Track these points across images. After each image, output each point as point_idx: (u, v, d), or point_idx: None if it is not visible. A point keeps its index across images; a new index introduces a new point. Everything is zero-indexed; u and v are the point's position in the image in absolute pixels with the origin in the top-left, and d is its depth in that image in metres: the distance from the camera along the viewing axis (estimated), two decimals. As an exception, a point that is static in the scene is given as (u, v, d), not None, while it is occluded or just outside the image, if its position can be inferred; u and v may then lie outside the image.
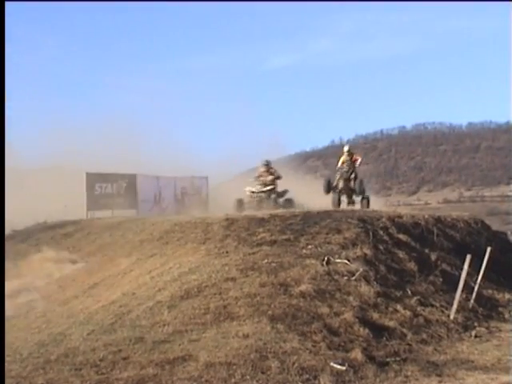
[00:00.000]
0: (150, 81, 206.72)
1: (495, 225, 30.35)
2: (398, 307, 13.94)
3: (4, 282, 14.93)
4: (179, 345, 11.23)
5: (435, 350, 12.17)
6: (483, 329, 14.15)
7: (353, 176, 27.37)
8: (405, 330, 12.87)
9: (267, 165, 29.10)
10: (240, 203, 28.26)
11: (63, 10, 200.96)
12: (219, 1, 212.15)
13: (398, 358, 11.33)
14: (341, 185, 27.00)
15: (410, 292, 15.09)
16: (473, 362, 11.52)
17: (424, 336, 12.84)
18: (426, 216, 20.69)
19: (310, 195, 30.53)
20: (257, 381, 9.71)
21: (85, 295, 17.26)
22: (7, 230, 29.86)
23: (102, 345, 11.56)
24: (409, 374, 10.57)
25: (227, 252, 16.94)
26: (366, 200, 27.15)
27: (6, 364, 11.01)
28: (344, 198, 27.12)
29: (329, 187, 27.25)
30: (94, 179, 33.78)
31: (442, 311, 14.46)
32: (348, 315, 12.80)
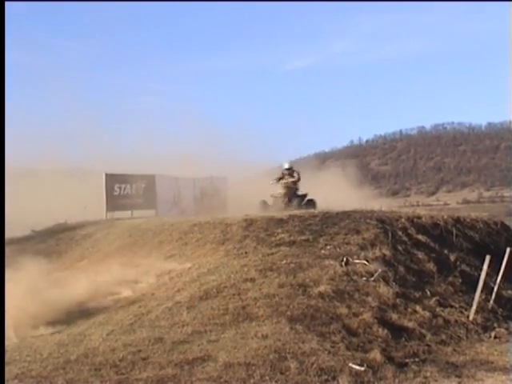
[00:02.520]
0: (169, 82, 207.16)
1: (515, 225, 30.16)
2: (417, 308, 13.89)
3: (4, 281, 14.95)
4: (198, 345, 11.25)
5: (454, 350, 12.11)
6: (503, 329, 14.04)
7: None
8: (424, 331, 12.83)
9: (289, 168, 29.33)
10: (265, 205, 28.87)
11: (86, 12, 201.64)
12: (241, 1, 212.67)
13: (417, 359, 11.29)
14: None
15: (429, 293, 15.04)
16: (492, 362, 11.44)
17: (443, 337, 12.79)
18: (445, 216, 20.62)
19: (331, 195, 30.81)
20: (276, 381, 9.70)
21: (104, 295, 17.31)
22: (27, 231, 30.06)
23: (121, 345, 11.60)
24: (428, 374, 10.52)
25: (246, 253, 16.96)
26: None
27: (26, 364, 11.09)
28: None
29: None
30: (113, 180, 33.82)
31: (462, 312, 14.39)
32: (367, 316, 12.78)
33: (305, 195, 29.57)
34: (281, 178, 29.53)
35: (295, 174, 29.57)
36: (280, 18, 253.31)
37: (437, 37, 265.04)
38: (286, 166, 29.84)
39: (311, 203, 28.84)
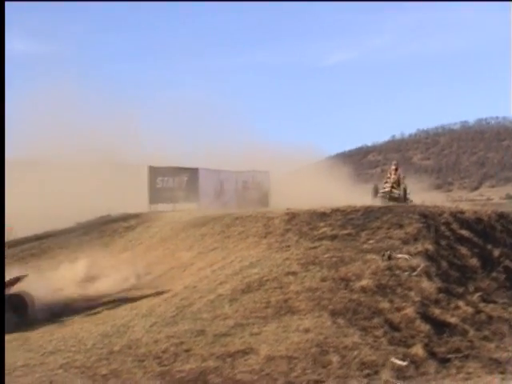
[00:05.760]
0: (209, 77, 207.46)
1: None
2: (460, 303, 13.78)
3: (4, 282, 15.13)
4: (240, 338, 11.29)
5: (497, 347, 11.98)
6: (547, 326, 13.91)
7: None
8: (467, 327, 12.71)
9: (396, 168, 31.08)
10: (376, 190, 31.71)
11: (118, 6, 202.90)
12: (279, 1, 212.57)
13: (459, 355, 11.19)
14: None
15: (472, 288, 14.92)
16: (536, 359, 11.35)
17: (486, 333, 12.65)
18: (489, 211, 20.47)
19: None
20: (317, 375, 9.71)
21: (147, 288, 17.46)
22: (71, 223, 30.37)
23: (164, 337, 11.68)
24: (471, 370, 10.44)
25: (288, 246, 16.98)
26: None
27: (71, 354, 11.22)
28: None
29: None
30: (156, 173, 34.06)
31: (505, 308, 14.24)
32: (409, 311, 12.71)
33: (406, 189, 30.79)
34: (389, 177, 31.07)
35: (399, 172, 31.04)
36: (318, 14, 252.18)
37: (478, 31, 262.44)
38: (393, 166, 31.65)
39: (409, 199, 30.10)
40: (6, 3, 16.60)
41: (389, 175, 31.30)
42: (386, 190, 30.48)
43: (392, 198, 29.65)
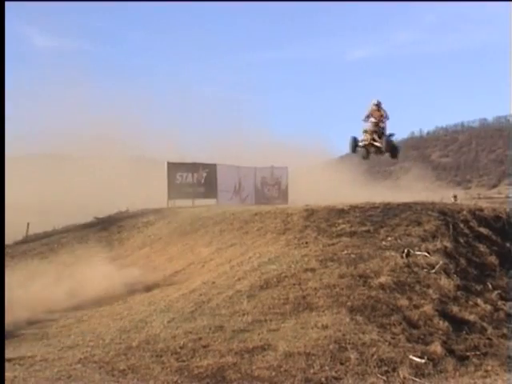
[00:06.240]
0: (231, 72, 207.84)
1: None
2: (479, 301, 13.76)
3: (4, 282, 15.22)
4: (258, 334, 11.31)
5: (516, 345, 11.99)
6: None
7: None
8: (485, 324, 12.69)
9: (377, 104, 26.15)
10: (354, 142, 26.60)
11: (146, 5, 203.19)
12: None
13: (478, 353, 11.17)
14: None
15: (490, 286, 14.89)
16: (554, 357, 11.32)
17: (505, 331, 12.62)
18: (508, 209, 20.39)
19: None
20: (336, 371, 9.72)
21: (166, 283, 17.52)
22: (90, 218, 30.56)
23: (182, 332, 11.71)
24: (489, 368, 10.42)
25: (307, 243, 16.99)
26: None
27: (89, 349, 11.27)
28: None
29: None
30: (175, 168, 34.20)
31: (524, 306, 14.23)
32: (428, 308, 12.70)
33: (392, 135, 26.77)
34: (369, 115, 26.26)
35: (383, 110, 26.23)
36: (342, 10, 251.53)
37: (499, 28, 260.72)
38: (375, 101, 26.20)
39: (396, 149, 27.23)
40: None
41: (368, 115, 26.24)
42: (366, 142, 26.16)
43: (376, 152, 26.70)
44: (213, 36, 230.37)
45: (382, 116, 26.05)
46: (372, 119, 25.96)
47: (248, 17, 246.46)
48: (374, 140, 26.02)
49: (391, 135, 26.53)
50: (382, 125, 26.00)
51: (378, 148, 26.17)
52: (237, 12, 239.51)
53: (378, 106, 26.01)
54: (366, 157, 27.05)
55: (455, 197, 30.80)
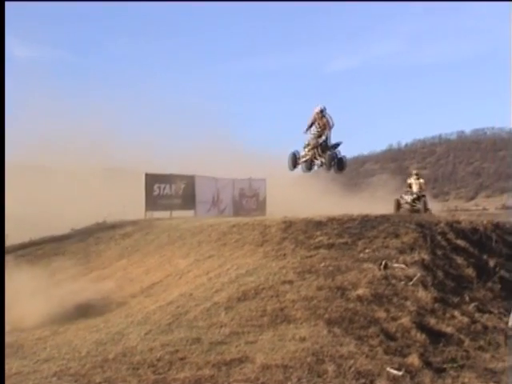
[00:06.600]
0: (210, 81, 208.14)
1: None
2: (456, 313, 13.78)
3: (4, 283, 15.13)
4: (236, 346, 11.26)
5: (493, 357, 11.96)
6: (543, 336, 13.91)
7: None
8: (462, 337, 12.71)
9: (322, 111, 23.94)
10: (294, 158, 24.63)
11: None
12: (283, 1, 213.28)
13: (455, 365, 11.18)
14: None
15: (467, 298, 14.91)
16: (531, 370, 11.34)
17: (482, 343, 12.64)
18: (485, 222, 20.46)
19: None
20: (313, 384, 9.70)
21: (143, 295, 17.46)
22: (67, 229, 30.42)
23: (159, 345, 11.65)
24: (466, 380, 10.42)
25: (284, 255, 16.98)
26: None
27: (65, 362, 11.19)
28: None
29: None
30: (152, 180, 34.19)
31: (500, 318, 14.23)
32: (405, 320, 12.71)
33: (338, 144, 24.34)
34: (312, 124, 24.14)
35: (326, 118, 23.93)
36: (322, 19, 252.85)
37: (477, 40, 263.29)
38: (318, 109, 23.91)
39: (341, 163, 24.53)
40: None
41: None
42: (307, 158, 24.20)
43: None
44: (189, 47, 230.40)
45: (325, 124, 23.83)
46: (313, 129, 23.98)
47: (224, 27, 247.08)
48: (315, 157, 24.23)
49: (337, 144, 24.32)
50: (323, 137, 23.91)
51: (322, 163, 24.27)
52: (212, 22, 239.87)
53: (322, 112, 23.71)
54: (309, 170, 24.97)
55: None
